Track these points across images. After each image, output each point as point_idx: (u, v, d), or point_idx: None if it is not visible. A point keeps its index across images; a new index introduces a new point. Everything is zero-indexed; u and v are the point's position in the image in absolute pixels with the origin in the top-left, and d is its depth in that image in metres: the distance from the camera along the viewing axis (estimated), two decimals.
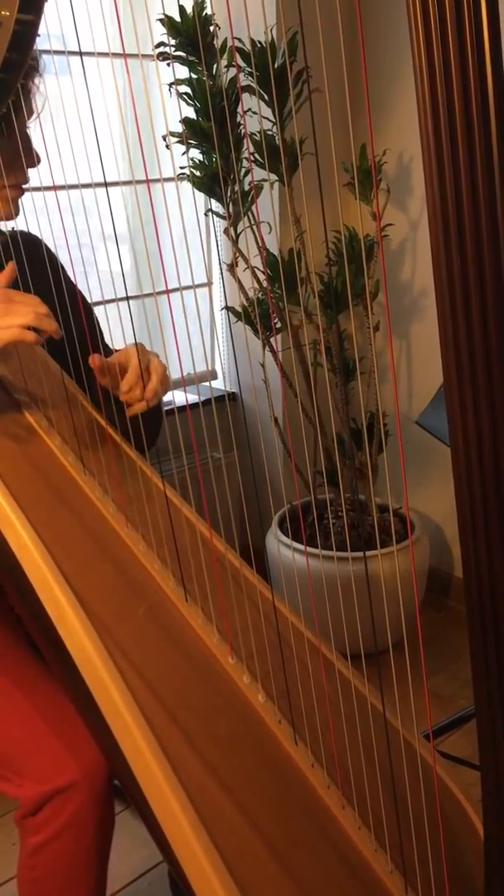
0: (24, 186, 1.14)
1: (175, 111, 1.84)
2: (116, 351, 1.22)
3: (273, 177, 1.96)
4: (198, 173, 1.87)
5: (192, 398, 2.38)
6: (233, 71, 1.86)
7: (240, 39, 1.73)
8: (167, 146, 1.73)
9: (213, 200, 1.97)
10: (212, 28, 1.80)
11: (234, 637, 1.00)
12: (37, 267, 1.18)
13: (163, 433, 1.34)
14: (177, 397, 2.25)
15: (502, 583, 0.65)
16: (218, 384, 2.54)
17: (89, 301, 1.35)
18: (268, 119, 1.84)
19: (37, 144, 1.12)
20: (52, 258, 1.28)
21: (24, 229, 1.22)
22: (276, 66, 1.78)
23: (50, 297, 1.18)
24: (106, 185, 1.01)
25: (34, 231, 1.22)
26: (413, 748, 0.99)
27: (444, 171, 0.58)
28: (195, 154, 1.87)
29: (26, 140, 1.10)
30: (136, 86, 1.55)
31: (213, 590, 1.04)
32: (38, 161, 1.11)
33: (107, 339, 1.32)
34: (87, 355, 1.16)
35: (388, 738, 0.95)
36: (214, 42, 1.80)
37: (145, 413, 1.17)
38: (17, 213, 1.16)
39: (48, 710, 1.01)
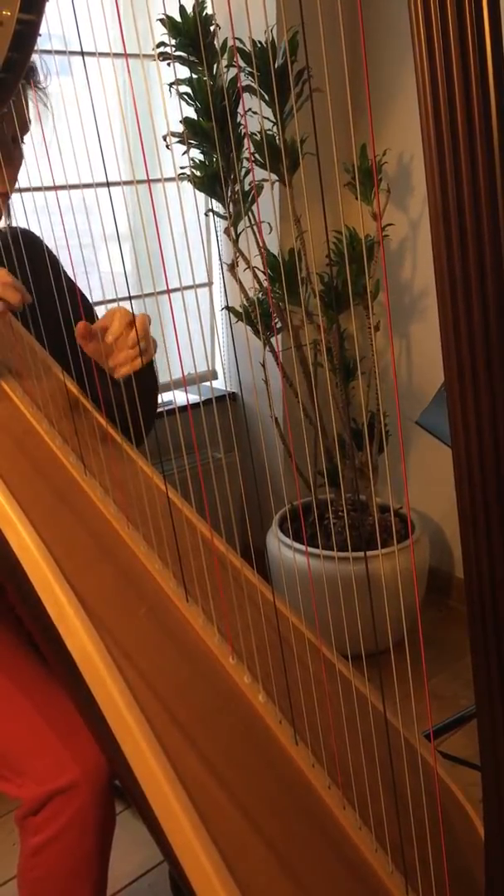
0: (24, 186, 1.15)
1: (175, 111, 1.84)
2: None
3: (273, 177, 1.96)
4: (198, 173, 1.87)
5: (193, 398, 2.38)
6: (233, 71, 1.86)
7: (240, 39, 1.73)
8: (168, 146, 1.73)
9: (213, 200, 1.97)
10: (212, 28, 1.80)
11: (234, 637, 1.00)
12: (36, 265, 1.18)
13: (163, 433, 1.34)
14: (177, 397, 2.25)
15: (503, 583, 0.65)
16: (218, 384, 2.54)
17: (90, 300, 1.35)
18: (268, 119, 1.83)
19: (37, 144, 1.12)
20: (52, 256, 1.28)
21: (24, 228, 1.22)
22: (276, 65, 1.78)
23: (50, 296, 1.18)
24: (108, 184, 1.01)
25: (34, 231, 1.22)
26: (414, 748, 0.99)
27: (445, 169, 0.58)
28: (196, 154, 1.87)
29: (7, 146, 1.10)
30: (137, 86, 1.55)
31: (214, 590, 1.04)
32: (22, 157, 1.11)
33: None
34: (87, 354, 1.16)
35: (389, 739, 0.95)
36: (215, 42, 1.80)
37: (139, 382, 1.17)
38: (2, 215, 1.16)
39: (49, 710, 1.01)
